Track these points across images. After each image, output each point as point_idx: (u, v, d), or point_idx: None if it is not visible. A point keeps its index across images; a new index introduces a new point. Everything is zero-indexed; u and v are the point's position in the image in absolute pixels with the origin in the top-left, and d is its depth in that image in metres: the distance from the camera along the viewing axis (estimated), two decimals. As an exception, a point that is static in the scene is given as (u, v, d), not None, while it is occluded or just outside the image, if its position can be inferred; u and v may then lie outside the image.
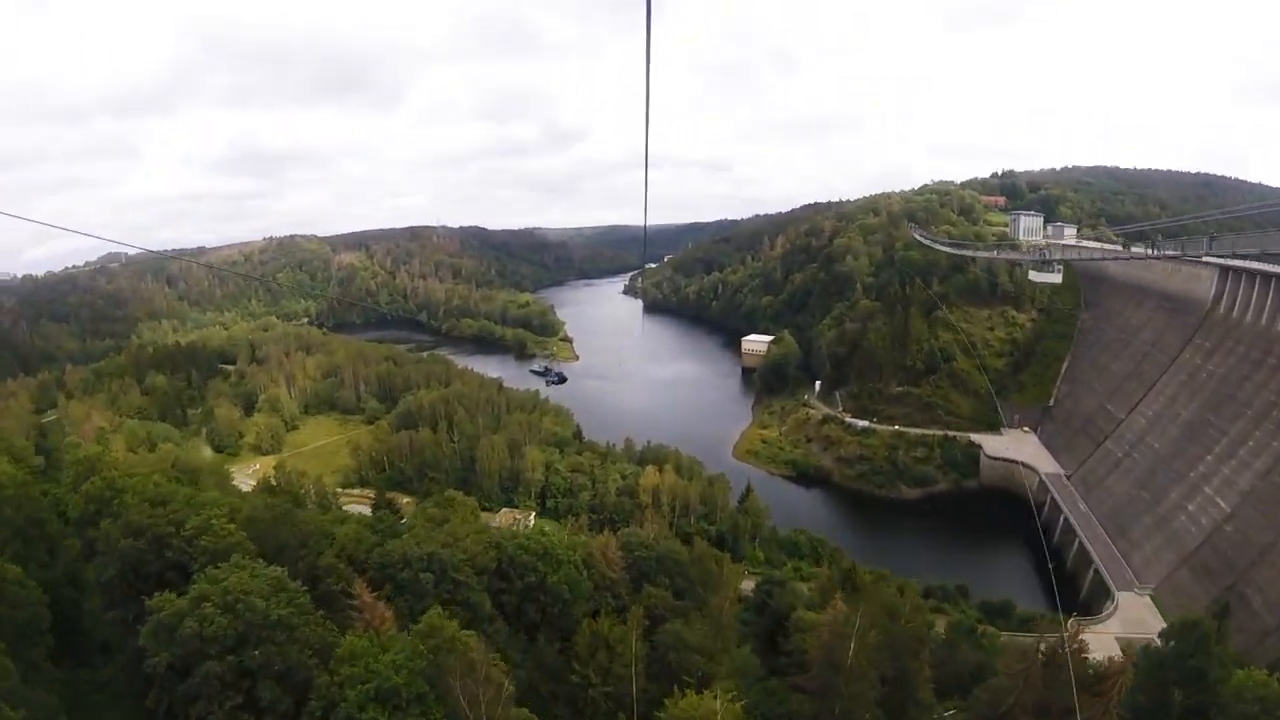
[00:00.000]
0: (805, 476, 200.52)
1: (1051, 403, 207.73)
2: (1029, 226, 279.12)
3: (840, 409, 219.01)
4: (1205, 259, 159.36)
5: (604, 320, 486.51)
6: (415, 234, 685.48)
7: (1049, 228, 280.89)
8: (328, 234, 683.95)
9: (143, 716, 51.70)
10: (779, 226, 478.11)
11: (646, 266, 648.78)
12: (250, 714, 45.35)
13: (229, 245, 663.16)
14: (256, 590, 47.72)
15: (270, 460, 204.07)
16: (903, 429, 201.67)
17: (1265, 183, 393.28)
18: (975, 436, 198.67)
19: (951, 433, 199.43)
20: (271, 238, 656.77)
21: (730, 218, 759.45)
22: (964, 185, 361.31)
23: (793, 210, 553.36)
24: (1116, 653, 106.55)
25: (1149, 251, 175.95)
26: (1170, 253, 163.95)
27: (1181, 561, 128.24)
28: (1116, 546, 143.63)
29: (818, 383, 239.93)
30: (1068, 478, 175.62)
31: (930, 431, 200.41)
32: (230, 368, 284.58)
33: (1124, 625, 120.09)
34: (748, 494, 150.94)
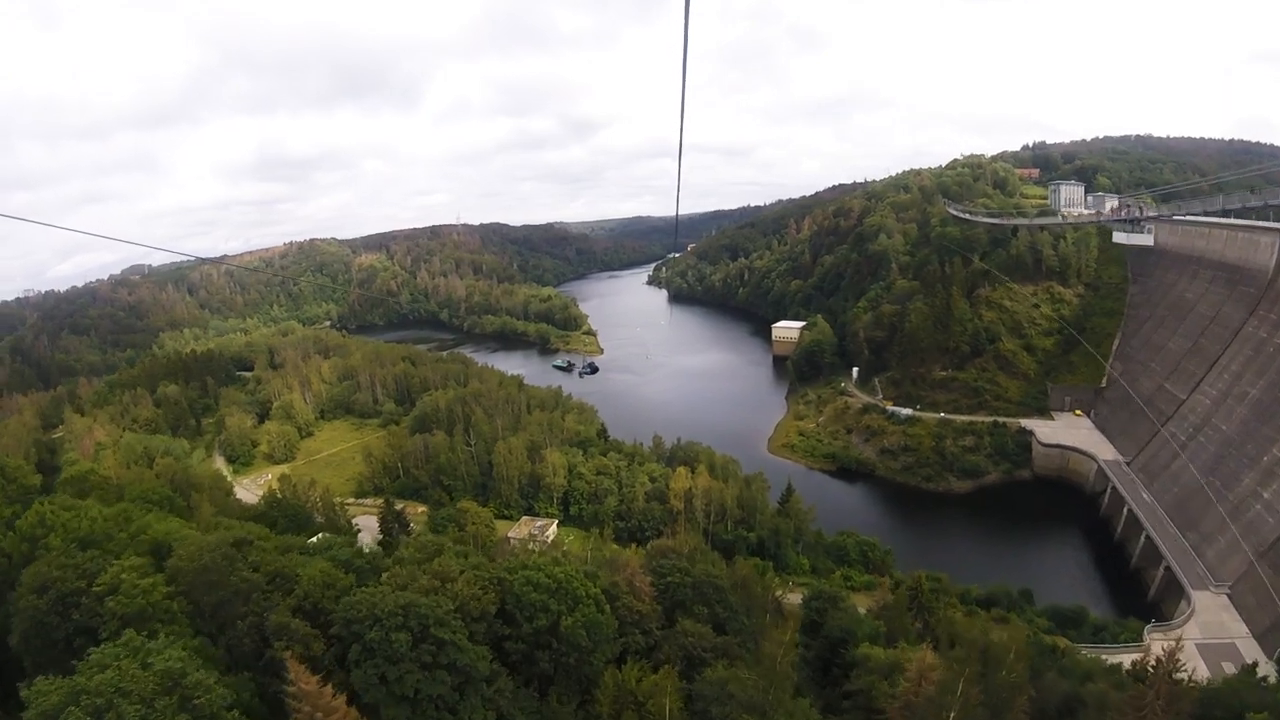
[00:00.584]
0: (847, 470, 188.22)
1: (1104, 383, 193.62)
2: (1070, 197, 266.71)
3: (880, 396, 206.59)
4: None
5: (628, 312, 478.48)
6: (435, 232, 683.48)
7: (1089, 198, 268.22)
8: (352, 236, 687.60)
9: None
10: (805, 209, 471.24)
11: (670, 256, 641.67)
12: None
13: (250, 251, 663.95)
14: (139, 689, 36.54)
15: (282, 470, 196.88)
16: (949, 416, 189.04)
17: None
18: (1026, 422, 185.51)
19: (1000, 419, 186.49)
20: (292, 242, 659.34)
21: (754, 204, 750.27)
22: (995, 159, 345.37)
23: (818, 193, 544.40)
24: (1201, 666, 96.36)
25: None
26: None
27: (1260, 555, 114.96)
28: (1186, 539, 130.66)
29: (855, 369, 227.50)
30: (1127, 464, 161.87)
31: (978, 418, 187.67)
32: (248, 374, 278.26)
33: (1203, 630, 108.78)
34: (789, 495, 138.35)
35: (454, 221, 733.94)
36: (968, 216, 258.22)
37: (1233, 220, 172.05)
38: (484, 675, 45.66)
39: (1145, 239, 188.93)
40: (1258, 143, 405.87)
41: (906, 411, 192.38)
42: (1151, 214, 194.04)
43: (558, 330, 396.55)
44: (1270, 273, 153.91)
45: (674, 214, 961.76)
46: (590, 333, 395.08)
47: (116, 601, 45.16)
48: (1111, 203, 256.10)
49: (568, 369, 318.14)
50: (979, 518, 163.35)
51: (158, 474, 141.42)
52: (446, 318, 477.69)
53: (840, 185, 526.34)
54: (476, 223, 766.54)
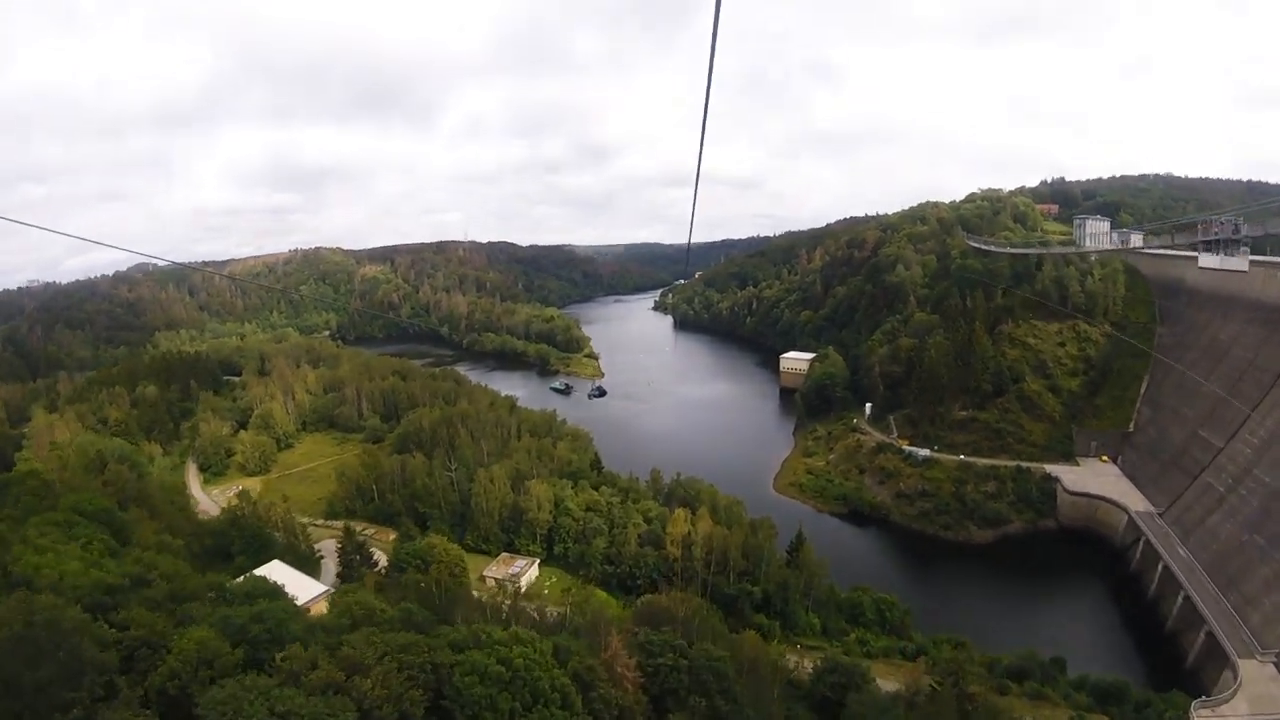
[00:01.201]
0: (858, 514, 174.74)
1: (1131, 428, 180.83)
2: (1095, 232, 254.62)
3: (895, 435, 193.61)
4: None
5: (632, 337, 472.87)
6: (440, 247, 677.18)
7: (1114, 234, 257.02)
8: (356, 247, 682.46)
9: None
10: (816, 240, 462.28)
11: (677, 283, 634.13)
12: None
13: (254, 257, 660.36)
14: None
15: (255, 482, 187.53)
16: (969, 459, 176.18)
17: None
18: (1050, 468, 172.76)
19: (1024, 463, 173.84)
20: (296, 249, 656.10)
21: (762, 234, 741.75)
22: (1013, 194, 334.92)
23: (828, 225, 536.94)
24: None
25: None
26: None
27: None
28: (1228, 601, 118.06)
29: (868, 405, 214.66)
30: (1160, 516, 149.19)
31: (1000, 462, 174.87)
32: (236, 379, 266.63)
33: (1252, 704, 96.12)
34: (799, 545, 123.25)
35: (461, 239, 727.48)
36: (992, 248, 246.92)
37: (1271, 258, 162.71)
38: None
39: (1239, 263, 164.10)
40: (1274, 183, 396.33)
41: (924, 452, 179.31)
42: (1245, 233, 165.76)
43: (558, 352, 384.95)
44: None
45: (682, 242, 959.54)
46: (592, 355, 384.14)
47: None
48: (1137, 238, 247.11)
49: (565, 392, 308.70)
50: (1001, 571, 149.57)
51: (106, 482, 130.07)
52: (447, 333, 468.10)
53: (851, 218, 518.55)
54: (485, 241, 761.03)
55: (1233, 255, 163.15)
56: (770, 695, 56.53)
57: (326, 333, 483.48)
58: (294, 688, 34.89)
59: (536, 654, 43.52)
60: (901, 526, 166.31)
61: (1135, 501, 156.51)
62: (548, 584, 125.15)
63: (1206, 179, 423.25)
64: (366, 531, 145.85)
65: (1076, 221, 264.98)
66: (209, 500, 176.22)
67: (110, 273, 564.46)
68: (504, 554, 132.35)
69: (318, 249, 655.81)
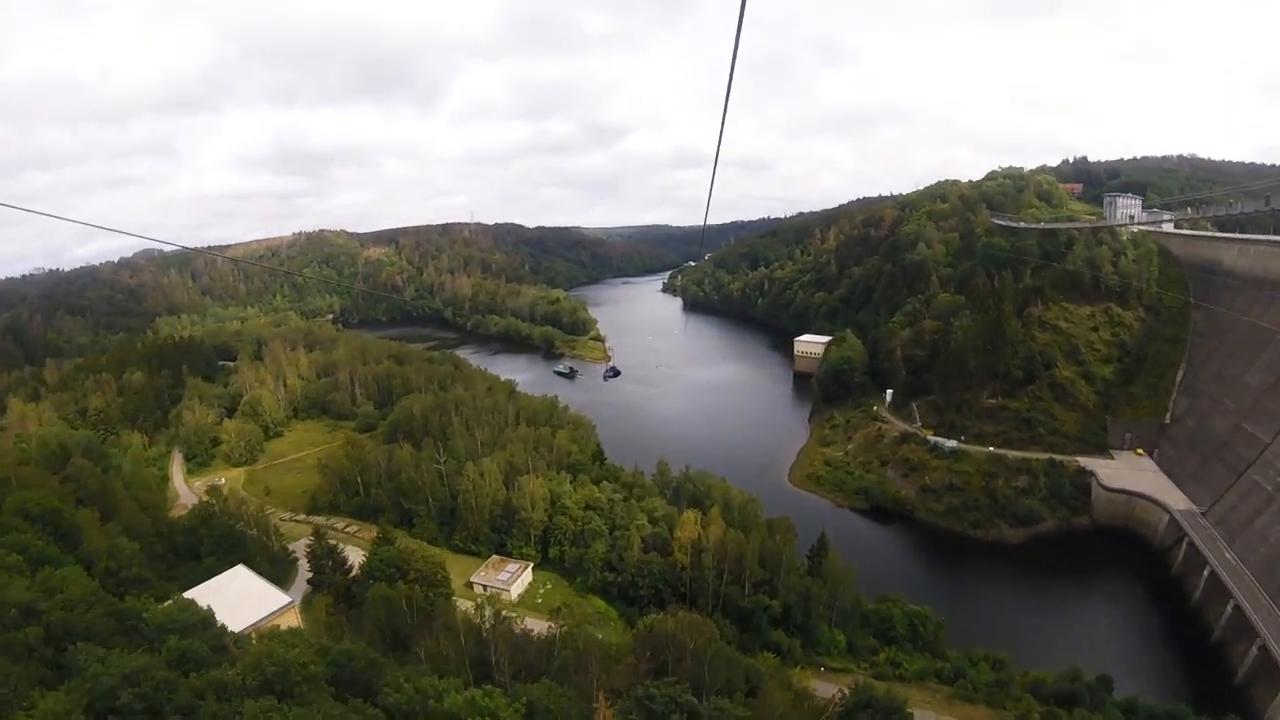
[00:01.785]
0: (881, 510, 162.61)
1: (1168, 419, 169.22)
2: (1126, 210, 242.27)
3: (919, 424, 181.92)
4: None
5: (641, 319, 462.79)
6: (446, 229, 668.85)
7: (1145, 214, 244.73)
8: (362, 229, 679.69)
9: None
10: (829, 220, 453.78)
11: (687, 265, 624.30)
12: None
13: (257, 240, 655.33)
14: None
15: (239, 473, 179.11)
16: (999, 451, 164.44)
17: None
18: (1084, 461, 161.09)
19: (1056, 456, 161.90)
20: (300, 232, 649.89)
21: (773, 216, 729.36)
22: (1035, 172, 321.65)
23: (841, 205, 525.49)
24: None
25: None
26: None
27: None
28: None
29: (889, 391, 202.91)
30: (1202, 515, 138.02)
31: (1032, 454, 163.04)
32: (231, 364, 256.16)
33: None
34: (823, 551, 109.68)
35: (468, 220, 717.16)
36: (1022, 224, 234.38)
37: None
38: None
39: None
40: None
41: (951, 443, 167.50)
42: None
43: (564, 334, 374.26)
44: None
45: (694, 224, 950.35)
46: (598, 338, 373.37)
47: None
48: (1168, 219, 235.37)
49: (570, 376, 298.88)
50: (1035, 574, 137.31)
51: (65, 478, 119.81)
52: (450, 316, 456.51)
53: (865, 199, 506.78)
54: (491, 223, 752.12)
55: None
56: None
57: (330, 316, 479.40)
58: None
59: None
60: (927, 524, 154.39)
61: (1175, 499, 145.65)
62: (542, 591, 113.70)
63: (1229, 161, 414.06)
64: (349, 529, 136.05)
65: (1107, 200, 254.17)
66: (190, 493, 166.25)
67: (116, 259, 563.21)
68: (494, 557, 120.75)
69: (321, 231, 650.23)
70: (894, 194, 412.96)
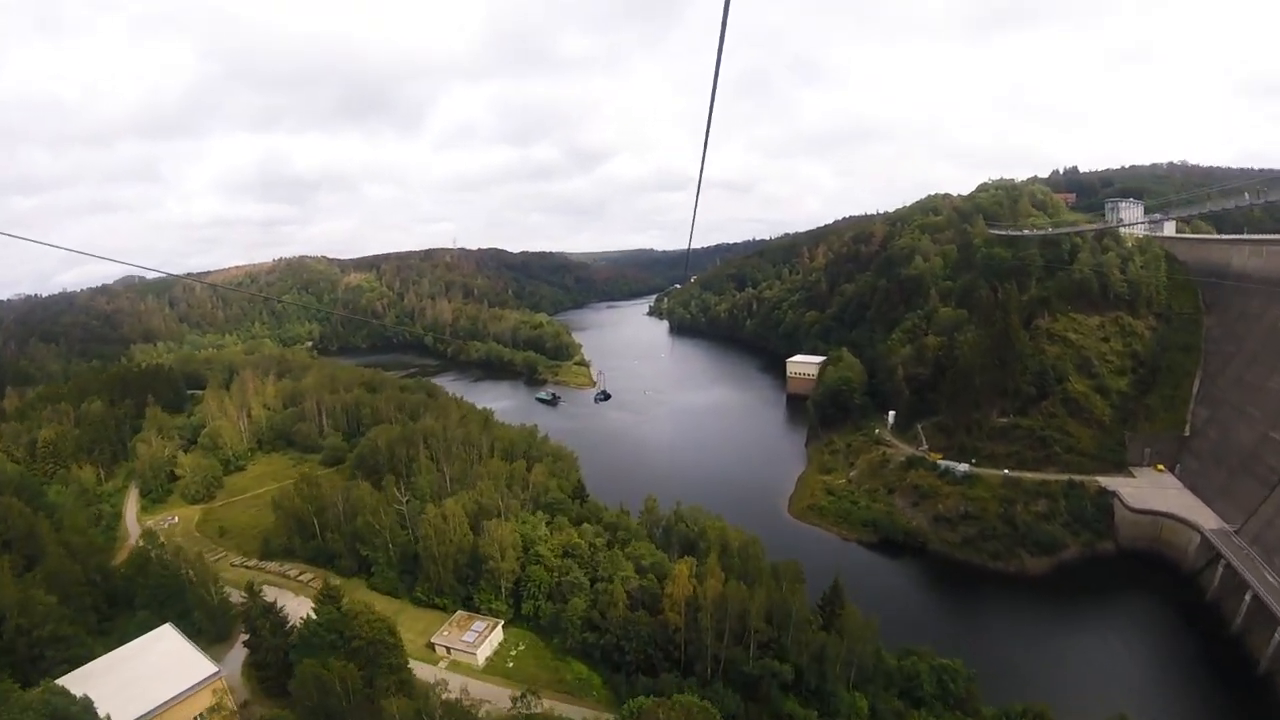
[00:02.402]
0: (891, 543, 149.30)
1: (1187, 431, 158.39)
2: (1129, 215, 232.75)
3: (925, 446, 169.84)
4: None
5: (626, 342, 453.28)
6: (428, 255, 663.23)
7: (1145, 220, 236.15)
8: (346, 256, 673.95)
9: None
10: (817, 239, 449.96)
11: (673, 288, 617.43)
12: None
13: (236, 266, 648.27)
14: None
15: (195, 511, 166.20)
16: (1014, 473, 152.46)
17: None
18: (1104, 480, 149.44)
19: (1075, 476, 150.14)
20: (280, 258, 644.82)
21: (759, 237, 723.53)
22: (1026, 183, 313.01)
23: (828, 225, 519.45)
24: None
25: None
26: None
27: None
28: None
29: (891, 413, 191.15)
30: (1235, 534, 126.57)
31: (1049, 476, 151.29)
32: (200, 393, 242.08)
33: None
34: (837, 600, 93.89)
35: (449, 244, 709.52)
36: (1027, 232, 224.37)
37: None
38: None
39: None
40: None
41: (963, 467, 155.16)
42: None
43: (547, 360, 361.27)
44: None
45: (679, 247, 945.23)
46: (583, 363, 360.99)
47: None
48: (1170, 225, 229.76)
49: (552, 402, 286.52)
50: (1061, 607, 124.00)
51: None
52: (431, 342, 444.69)
53: (850, 218, 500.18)
54: (474, 248, 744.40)
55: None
56: None
57: (309, 344, 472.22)
58: None
59: None
60: (942, 556, 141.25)
61: (1204, 518, 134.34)
62: (514, 653, 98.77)
63: (1219, 167, 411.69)
64: (303, 576, 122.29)
65: (1109, 205, 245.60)
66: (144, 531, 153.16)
67: (101, 286, 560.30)
68: (460, 613, 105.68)
69: (301, 257, 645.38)
70: (880, 212, 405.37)
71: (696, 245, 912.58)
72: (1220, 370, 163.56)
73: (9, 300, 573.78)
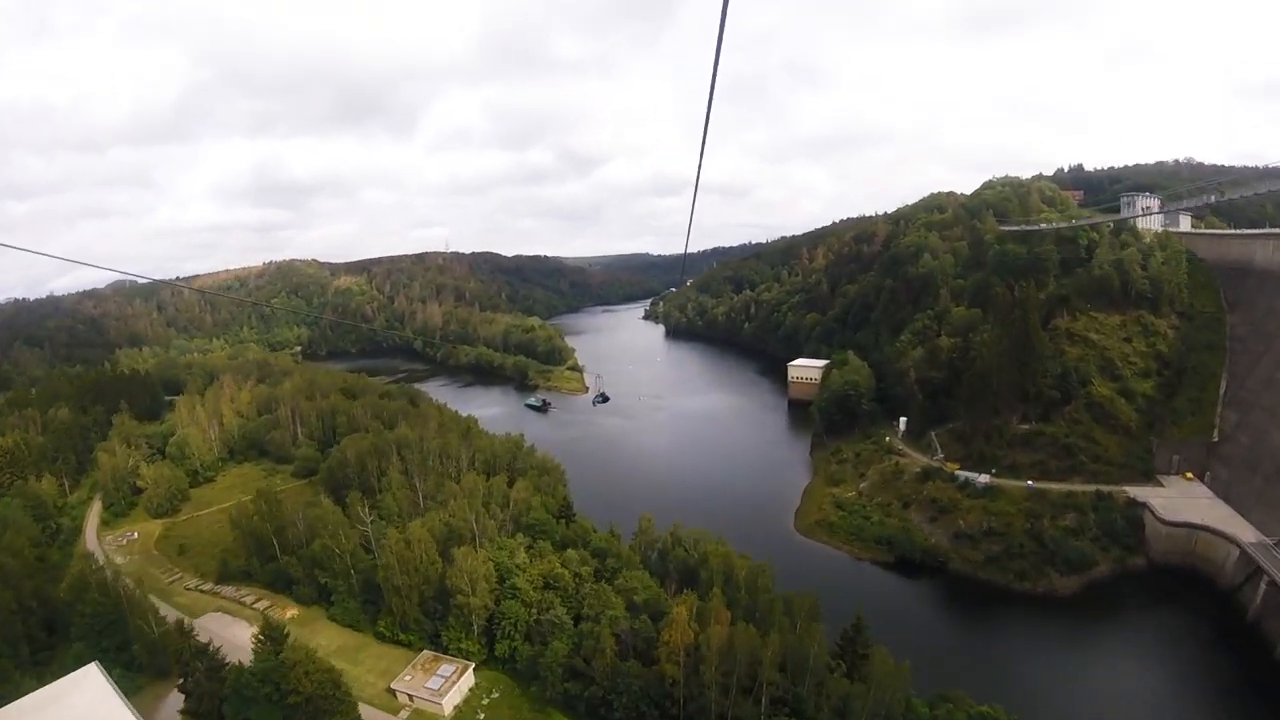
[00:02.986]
0: (908, 562, 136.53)
1: (1215, 437, 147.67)
2: (1147, 209, 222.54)
3: (941, 456, 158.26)
4: None
5: (622, 347, 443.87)
6: (421, 258, 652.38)
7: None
8: (338, 260, 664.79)
9: None
10: (815, 240, 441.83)
11: (668, 291, 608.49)
12: None
13: (226, 270, 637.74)
14: None
15: (157, 525, 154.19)
16: (1039, 485, 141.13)
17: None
18: (1132, 490, 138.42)
19: (1103, 487, 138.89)
20: (270, 261, 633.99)
21: (755, 241, 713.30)
22: (1033, 180, 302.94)
23: (825, 226, 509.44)
24: None
25: None
26: None
27: None
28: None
29: (902, 420, 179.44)
30: (1276, 546, 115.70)
31: (1075, 486, 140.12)
32: (178, 399, 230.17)
33: None
34: (858, 636, 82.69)
35: (443, 249, 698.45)
36: (1044, 226, 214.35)
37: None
38: None
39: None
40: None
41: (984, 479, 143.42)
42: None
43: (538, 364, 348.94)
44: None
45: (675, 252, 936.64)
46: (576, 368, 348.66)
47: None
48: (1186, 221, 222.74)
49: (542, 409, 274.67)
50: (1095, 631, 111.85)
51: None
52: (420, 346, 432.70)
53: (849, 219, 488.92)
54: (468, 251, 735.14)
55: None
56: None
57: (298, 347, 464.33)
58: None
59: None
60: (965, 577, 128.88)
61: (1241, 529, 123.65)
62: (485, 702, 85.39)
63: (1225, 166, 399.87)
64: (259, 604, 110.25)
65: (1125, 199, 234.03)
66: (101, 549, 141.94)
67: (90, 290, 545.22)
68: (426, 653, 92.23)
69: (291, 261, 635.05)
70: (881, 213, 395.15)
71: (693, 249, 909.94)
72: (1249, 371, 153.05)
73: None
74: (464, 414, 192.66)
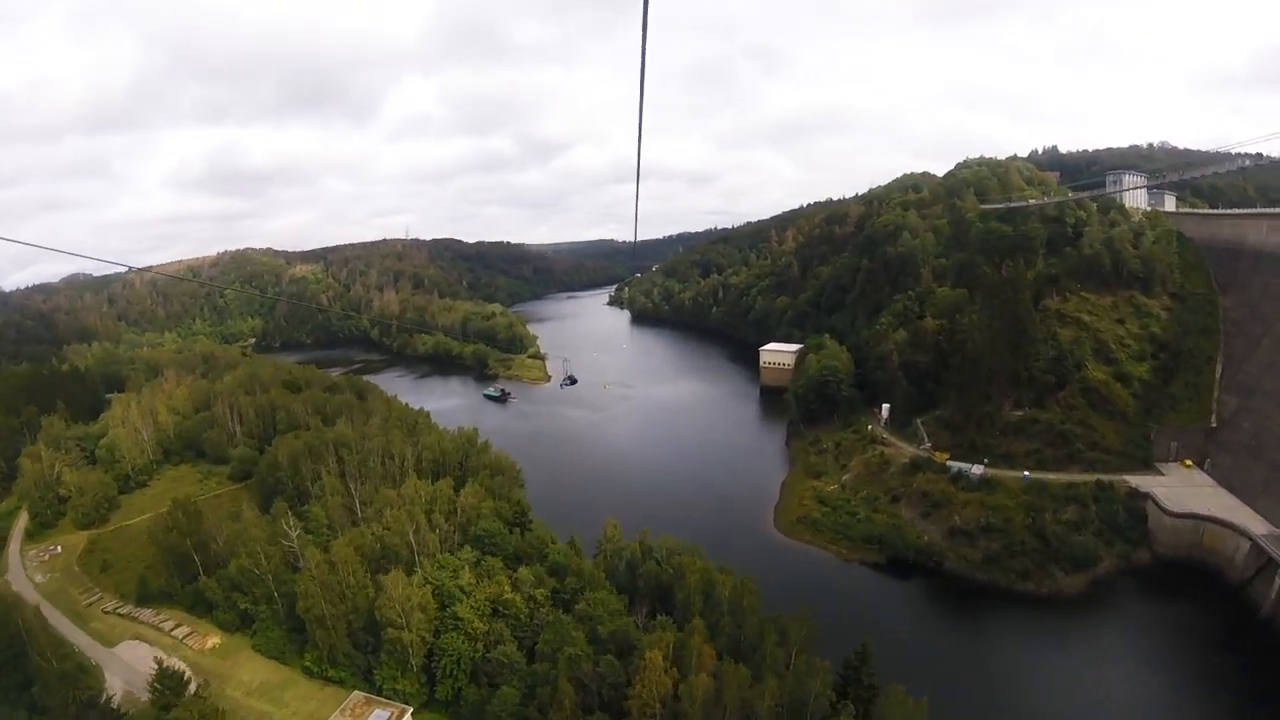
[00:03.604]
0: (900, 562, 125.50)
1: (1214, 422, 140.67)
2: (1134, 186, 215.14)
3: (929, 445, 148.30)
4: None
5: (586, 333, 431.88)
6: (379, 245, 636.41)
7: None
8: (298, 249, 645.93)
9: None
10: (785, 223, 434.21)
11: (633, 277, 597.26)
12: None
13: (179, 260, 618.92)
14: None
15: (82, 538, 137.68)
16: (1036, 475, 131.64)
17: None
18: (1133, 480, 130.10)
19: (1103, 477, 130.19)
20: (224, 251, 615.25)
21: (720, 227, 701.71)
22: (1009, 160, 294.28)
23: (794, 209, 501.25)
24: None
25: None
26: None
27: None
28: None
29: (885, 407, 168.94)
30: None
31: (1075, 477, 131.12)
32: (116, 397, 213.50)
33: None
34: (863, 663, 70.71)
35: (402, 236, 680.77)
36: (1031, 202, 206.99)
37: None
38: None
39: None
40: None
41: (978, 470, 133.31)
42: None
43: (498, 353, 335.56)
44: None
45: (640, 239, 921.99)
46: (537, 356, 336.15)
47: None
48: (1170, 200, 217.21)
49: (501, 399, 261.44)
50: (1105, 634, 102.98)
51: None
52: (377, 336, 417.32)
53: (818, 203, 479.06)
54: (429, 238, 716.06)
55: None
56: None
57: (252, 339, 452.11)
58: None
59: None
60: (963, 577, 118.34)
61: (1249, 520, 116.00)
62: None
63: (1197, 150, 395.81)
64: (177, 630, 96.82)
65: (1110, 176, 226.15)
66: (24, 565, 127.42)
67: (41, 284, 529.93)
68: (358, 694, 78.39)
69: (245, 249, 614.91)
70: (849, 197, 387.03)
71: (658, 235, 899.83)
72: (1247, 354, 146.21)
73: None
74: (417, 407, 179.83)
